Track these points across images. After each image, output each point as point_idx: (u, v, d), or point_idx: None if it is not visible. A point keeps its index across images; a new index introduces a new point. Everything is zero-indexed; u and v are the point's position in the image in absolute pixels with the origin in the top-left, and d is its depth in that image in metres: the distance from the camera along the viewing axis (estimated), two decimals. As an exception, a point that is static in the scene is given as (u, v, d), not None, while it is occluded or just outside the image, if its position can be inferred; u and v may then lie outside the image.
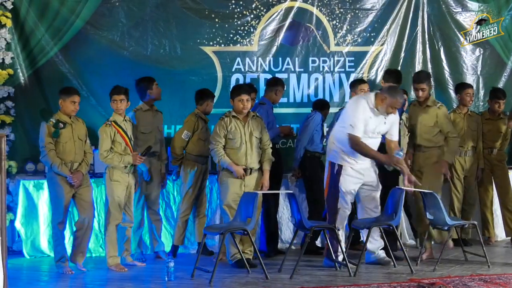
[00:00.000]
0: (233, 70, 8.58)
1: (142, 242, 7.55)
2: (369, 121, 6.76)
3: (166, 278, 6.47)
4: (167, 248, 7.69)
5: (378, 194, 7.04)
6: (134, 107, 7.39)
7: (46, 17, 7.96)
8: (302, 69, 8.80)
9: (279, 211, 8.02)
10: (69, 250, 7.01)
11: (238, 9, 8.54)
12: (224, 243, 6.81)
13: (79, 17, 8.02)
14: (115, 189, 6.95)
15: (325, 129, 8.17)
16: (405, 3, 9.09)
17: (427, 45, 9.21)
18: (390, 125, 6.92)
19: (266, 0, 8.63)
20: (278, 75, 8.53)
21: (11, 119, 7.85)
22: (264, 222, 7.70)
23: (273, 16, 8.68)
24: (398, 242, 7.13)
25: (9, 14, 7.81)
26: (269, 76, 8.54)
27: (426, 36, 9.20)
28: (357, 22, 8.95)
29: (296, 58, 8.77)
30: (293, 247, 7.25)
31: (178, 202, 7.70)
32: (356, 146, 6.73)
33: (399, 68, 8.75)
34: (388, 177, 7.25)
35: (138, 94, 7.48)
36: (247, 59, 8.61)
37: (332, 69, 8.88)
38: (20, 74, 7.95)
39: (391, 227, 6.82)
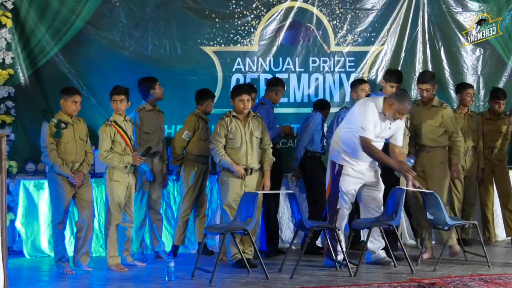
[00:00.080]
0: (234, 70, 8.58)
1: (144, 242, 7.55)
2: (376, 125, 6.76)
3: (167, 278, 6.47)
4: (168, 248, 7.70)
5: (380, 194, 7.04)
6: (135, 107, 7.39)
7: (46, 17, 7.96)
8: (302, 69, 8.80)
9: (280, 211, 8.02)
10: (69, 250, 7.01)
11: (239, 9, 8.54)
12: (225, 243, 6.81)
13: (79, 17, 8.02)
14: (115, 189, 6.95)
15: (325, 129, 8.16)
16: (406, 3, 9.09)
17: (428, 45, 9.21)
18: (395, 131, 6.90)
19: (266, 0, 8.63)
20: (279, 75, 8.53)
21: (11, 119, 7.85)
22: (265, 222, 7.70)
23: (274, 16, 8.67)
24: (398, 242, 7.13)
25: (9, 14, 7.81)
26: (269, 76, 8.53)
27: (427, 36, 9.20)
28: (357, 22, 8.95)
29: (297, 58, 8.77)
30: (293, 247, 7.24)
31: (179, 202, 7.70)
32: (368, 149, 6.72)
33: (399, 68, 8.75)
34: (388, 177, 7.24)
35: (140, 94, 7.48)
36: (248, 59, 8.61)
37: (332, 69, 8.88)
38: (21, 74, 7.95)
39: (391, 227, 6.82)
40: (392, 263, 7.02)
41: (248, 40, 8.60)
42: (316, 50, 8.83)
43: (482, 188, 8.47)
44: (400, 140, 7.01)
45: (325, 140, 8.04)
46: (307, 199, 7.95)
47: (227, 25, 8.52)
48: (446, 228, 7.00)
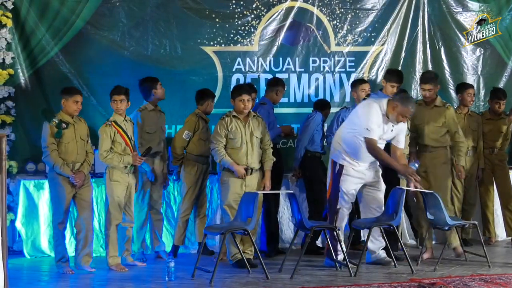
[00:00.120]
0: (234, 70, 8.58)
1: (144, 242, 7.55)
2: (379, 127, 6.76)
3: (167, 278, 6.47)
4: (168, 248, 7.70)
5: (381, 194, 7.03)
6: (135, 107, 7.38)
7: (46, 17, 7.95)
8: (302, 69, 8.80)
9: (280, 211, 8.03)
10: (69, 250, 7.01)
11: (239, 9, 8.54)
12: (225, 243, 6.81)
13: (79, 17, 8.01)
14: (114, 189, 6.95)
15: (326, 129, 8.16)
16: (406, 3, 9.09)
17: (428, 45, 9.21)
18: (397, 133, 6.90)
19: (266, 0, 8.63)
20: (279, 75, 8.53)
21: (11, 119, 7.85)
22: (265, 222, 7.70)
23: (274, 16, 8.67)
24: (398, 242, 7.13)
25: (9, 14, 7.81)
26: (269, 76, 8.53)
27: (427, 36, 9.19)
28: (357, 22, 8.95)
29: (297, 58, 8.77)
30: (293, 247, 7.24)
31: (179, 202, 7.71)
32: (373, 151, 6.72)
33: (399, 68, 8.75)
34: (389, 176, 7.23)
35: (142, 94, 7.48)
36: (248, 59, 8.61)
37: (332, 69, 8.87)
38: (21, 74, 7.94)
39: (391, 227, 6.82)
40: (392, 263, 7.02)
41: (248, 40, 8.60)
42: (316, 50, 8.83)
43: (483, 188, 8.47)
44: (402, 142, 7.01)
45: (325, 140, 8.03)
46: (307, 199, 7.95)
47: (227, 25, 8.52)
48: (446, 228, 7.00)
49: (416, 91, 9.13)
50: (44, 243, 7.62)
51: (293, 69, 8.75)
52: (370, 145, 6.71)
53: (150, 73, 7.72)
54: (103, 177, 7.14)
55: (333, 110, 8.38)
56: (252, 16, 8.59)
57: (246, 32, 8.58)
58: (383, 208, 7.03)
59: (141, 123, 7.37)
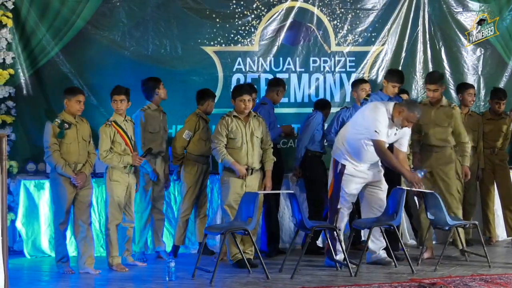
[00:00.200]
0: (234, 70, 8.58)
1: (145, 242, 7.56)
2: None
3: (167, 278, 6.47)
4: (168, 248, 7.70)
5: (384, 195, 7.02)
6: (135, 107, 7.38)
7: (47, 17, 7.95)
8: (303, 69, 8.80)
9: (280, 211, 8.02)
10: (70, 250, 7.00)
11: (239, 9, 8.54)
12: (225, 243, 6.81)
13: (80, 17, 8.01)
14: (114, 189, 6.95)
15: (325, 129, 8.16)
16: (406, 3, 9.09)
17: (428, 45, 9.21)
18: (400, 136, 6.90)
19: (267, 0, 8.63)
20: (279, 75, 8.53)
21: (12, 119, 7.85)
22: (265, 222, 7.70)
23: (274, 16, 8.67)
24: (399, 242, 7.13)
25: (10, 14, 7.80)
26: (270, 76, 8.54)
27: (427, 36, 9.20)
28: (358, 22, 8.95)
29: (297, 58, 8.77)
30: (294, 246, 7.23)
31: (179, 202, 7.71)
32: (382, 154, 6.72)
33: (399, 68, 8.76)
34: (391, 177, 7.22)
35: (144, 94, 7.49)
36: (248, 59, 8.61)
37: (333, 69, 8.88)
38: (21, 74, 7.94)
39: (392, 227, 6.82)
40: (393, 263, 7.02)
41: (248, 40, 8.60)
42: (317, 50, 8.83)
43: (483, 188, 8.48)
44: (405, 145, 7.01)
45: (325, 140, 8.04)
46: (307, 199, 7.95)
47: (227, 25, 8.52)
48: (447, 228, 7.00)
49: (416, 91, 9.14)
50: (45, 243, 7.62)
51: (293, 69, 8.75)
52: (379, 147, 6.70)
53: (151, 73, 7.72)
54: (103, 177, 7.13)
55: (333, 110, 8.38)
56: (253, 16, 8.60)
57: (246, 32, 8.58)
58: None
59: (144, 122, 7.37)
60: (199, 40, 8.43)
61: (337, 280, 6.50)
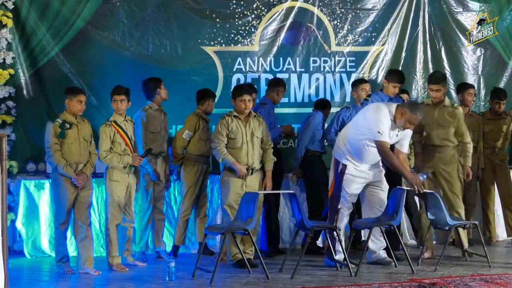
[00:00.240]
0: (234, 70, 8.58)
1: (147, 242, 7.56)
2: None
3: (167, 278, 6.46)
4: (168, 248, 7.69)
5: (385, 195, 7.02)
6: (135, 107, 7.38)
7: (47, 17, 7.95)
8: (303, 69, 8.80)
9: (280, 211, 8.02)
10: (70, 250, 7.00)
11: (239, 9, 8.54)
12: (225, 243, 6.81)
13: (80, 17, 8.01)
14: (114, 189, 6.95)
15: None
16: (406, 3, 9.09)
17: (428, 45, 9.21)
18: (402, 138, 6.90)
19: (267, 0, 8.63)
20: (279, 75, 8.53)
21: (12, 119, 7.85)
22: (265, 222, 7.70)
23: (274, 16, 8.67)
24: (399, 242, 7.12)
25: (10, 14, 7.80)
26: (270, 76, 8.54)
27: (427, 36, 9.20)
28: (358, 22, 8.95)
29: (297, 58, 8.77)
30: (294, 246, 7.23)
31: (179, 202, 7.70)
32: (385, 155, 6.72)
33: (400, 68, 8.76)
34: (392, 177, 7.22)
35: (145, 94, 7.49)
36: (248, 59, 8.61)
37: (333, 69, 8.88)
38: (21, 74, 7.94)
39: (392, 227, 6.82)
40: (393, 263, 7.02)
41: (248, 40, 8.60)
42: (317, 50, 8.83)
43: (483, 188, 8.48)
44: (406, 146, 7.01)
45: (325, 140, 8.04)
46: (307, 199, 7.94)
47: (227, 25, 8.52)
48: (447, 228, 7.00)
49: (416, 91, 9.14)
50: (45, 243, 7.62)
51: (293, 69, 8.75)
52: (382, 148, 6.69)
53: (151, 73, 7.73)
54: (103, 177, 7.13)
55: (334, 110, 8.38)
56: (253, 16, 8.60)
57: (246, 32, 8.58)
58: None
59: (145, 122, 7.37)
60: (199, 40, 8.43)
61: (337, 280, 6.50)
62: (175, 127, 8.20)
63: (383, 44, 9.03)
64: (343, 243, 6.86)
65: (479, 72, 9.42)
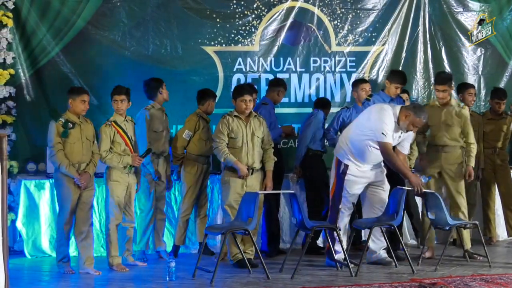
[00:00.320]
0: (235, 70, 8.58)
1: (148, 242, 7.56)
2: None
3: (167, 278, 6.46)
4: (169, 248, 7.69)
5: (386, 195, 7.02)
6: (135, 107, 7.37)
7: (47, 17, 7.95)
8: (303, 69, 8.80)
9: (280, 211, 8.02)
10: (70, 250, 6.99)
11: (240, 9, 8.54)
12: (226, 243, 6.81)
13: (80, 17, 8.01)
14: (114, 189, 6.95)
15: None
16: (406, 3, 9.08)
17: (429, 45, 9.21)
18: (403, 139, 6.91)
19: (267, 0, 8.63)
20: (279, 75, 8.53)
21: (12, 119, 7.84)
22: (266, 222, 7.70)
23: (275, 16, 8.67)
24: (399, 242, 7.12)
25: (10, 14, 7.80)
26: (270, 76, 8.54)
27: (428, 36, 9.19)
28: (358, 22, 8.94)
29: (297, 58, 8.77)
30: (294, 246, 7.24)
31: (179, 202, 7.70)
32: (388, 156, 6.72)
33: (400, 68, 8.76)
34: (394, 177, 7.21)
35: (147, 94, 7.50)
36: (249, 59, 8.61)
37: (333, 69, 8.87)
38: (22, 74, 7.94)
39: (392, 227, 6.82)
40: (393, 263, 7.02)
41: (249, 40, 8.60)
42: (317, 50, 8.83)
43: (484, 188, 8.48)
44: (407, 148, 7.02)
45: (325, 140, 8.04)
46: (306, 199, 7.94)
47: (228, 25, 8.52)
48: (447, 228, 7.01)
49: (417, 91, 9.14)
50: (45, 243, 7.62)
51: (293, 69, 8.75)
52: (385, 149, 6.69)
53: (151, 73, 7.73)
54: (103, 177, 7.13)
55: (334, 110, 8.38)
56: (253, 16, 8.59)
57: (247, 32, 8.58)
58: (387, 208, 7.04)
59: (149, 120, 7.37)
60: (200, 40, 8.43)
61: (337, 280, 6.50)
62: (175, 127, 8.20)
63: (384, 44, 9.02)
64: (343, 243, 6.86)
65: (480, 72, 9.41)
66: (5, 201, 4.27)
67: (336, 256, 6.90)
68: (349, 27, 8.91)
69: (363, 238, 7.53)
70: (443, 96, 7.37)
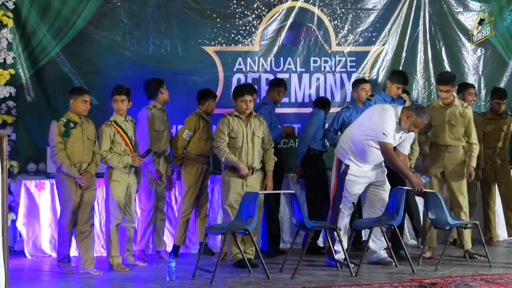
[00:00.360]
0: (235, 70, 8.57)
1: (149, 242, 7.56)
2: None
3: (168, 278, 6.47)
4: (169, 248, 7.69)
5: (386, 195, 7.02)
6: (136, 107, 7.37)
7: (47, 17, 7.95)
8: (303, 69, 8.79)
9: (281, 211, 8.02)
10: (71, 250, 7.00)
11: (240, 9, 8.54)
12: (226, 243, 6.81)
13: (80, 17, 8.00)
14: (114, 189, 6.95)
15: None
16: (407, 3, 9.08)
17: (429, 45, 9.21)
18: (404, 139, 6.91)
19: (267, 0, 8.62)
20: (280, 75, 8.52)
21: (12, 119, 7.84)
22: (266, 222, 7.69)
23: (275, 16, 8.67)
24: (400, 242, 7.12)
25: (10, 14, 7.80)
26: (270, 76, 8.53)
27: (428, 36, 9.19)
28: (358, 22, 8.94)
29: (298, 58, 8.77)
30: (294, 246, 7.24)
31: (179, 202, 7.70)
32: (389, 156, 6.72)
33: (400, 68, 8.76)
34: (395, 177, 7.21)
35: (148, 94, 7.51)
36: (249, 59, 8.60)
37: (333, 69, 8.87)
38: (22, 74, 7.93)
39: (392, 227, 6.82)
40: (393, 263, 7.02)
41: (249, 40, 8.59)
42: (317, 50, 8.83)
43: (484, 188, 8.48)
44: (407, 148, 7.02)
45: (326, 139, 8.04)
46: (306, 199, 7.94)
47: (228, 25, 8.51)
48: (448, 227, 7.01)
49: (417, 91, 9.14)
50: (45, 243, 7.62)
51: (294, 69, 8.75)
52: (386, 150, 6.70)
53: (151, 73, 7.73)
54: (103, 177, 7.13)
55: (334, 110, 8.38)
56: (253, 16, 8.59)
57: (247, 32, 8.58)
58: (388, 208, 7.04)
59: (151, 119, 7.37)
60: (200, 40, 8.42)
61: (337, 280, 6.50)
62: (175, 127, 8.19)
63: (384, 44, 9.02)
64: (343, 243, 6.86)
65: (480, 72, 9.41)
66: (5, 201, 4.27)
67: (336, 256, 6.90)
68: (349, 27, 8.91)
69: (363, 238, 7.53)
70: (446, 96, 7.38)
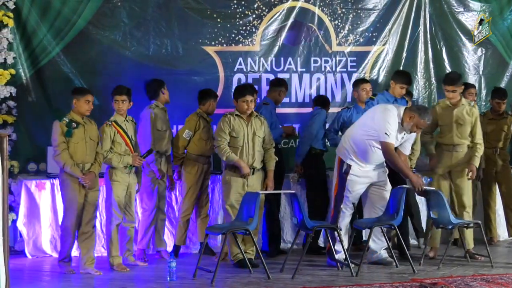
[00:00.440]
0: (235, 70, 8.57)
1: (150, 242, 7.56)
2: None
3: (168, 278, 6.47)
4: (169, 248, 7.69)
5: (387, 194, 7.02)
6: (136, 107, 7.37)
7: (48, 17, 7.95)
8: (304, 69, 8.79)
9: (281, 211, 8.02)
10: (73, 252, 7.00)
11: (240, 9, 8.54)
12: (226, 243, 6.81)
13: (81, 17, 8.00)
14: (115, 189, 6.95)
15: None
16: (407, 3, 9.08)
17: (429, 45, 9.21)
18: (405, 140, 6.92)
19: (268, 0, 8.62)
20: (280, 75, 8.53)
21: (13, 119, 7.84)
22: (266, 222, 7.69)
23: (275, 16, 8.67)
24: (400, 241, 7.12)
25: (11, 14, 7.80)
26: (271, 76, 8.54)
27: (428, 36, 9.19)
28: (359, 22, 8.94)
29: (298, 58, 8.77)
30: (295, 246, 7.24)
31: (180, 202, 7.70)
32: (390, 156, 6.72)
33: (401, 68, 8.76)
34: (396, 177, 7.20)
35: (149, 94, 7.52)
36: (249, 59, 8.60)
37: (334, 69, 8.87)
38: (22, 74, 7.93)
39: (392, 227, 6.81)
40: (394, 263, 7.02)
41: (249, 40, 8.59)
42: (318, 50, 8.83)
43: (485, 188, 8.48)
44: (408, 149, 7.03)
45: (326, 139, 8.03)
46: (307, 198, 7.93)
47: (228, 25, 8.52)
48: (450, 227, 7.00)
49: (418, 91, 9.14)
50: (46, 243, 7.62)
51: (294, 69, 8.75)
52: (387, 150, 6.70)
53: (152, 73, 7.74)
54: (103, 177, 7.13)
55: (335, 110, 8.38)
56: (254, 16, 8.59)
57: (247, 32, 8.58)
58: (388, 208, 7.04)
59: (154, 118, 7.37)
60: (200, 40, 8.43)
61: (338, 280, 6.50)
62: (176, 127, 8.19)
63: (384, 44, 9.02)
64: (344, 243, 6.86)
65: (480, 72, 9.41)
66: (6, 201, 4.27)
67: (337, 256, 6.90)
68: (350, 27, 8.91)
69: (364, 238, 7.53)
70: (453, 96, 7.38)
